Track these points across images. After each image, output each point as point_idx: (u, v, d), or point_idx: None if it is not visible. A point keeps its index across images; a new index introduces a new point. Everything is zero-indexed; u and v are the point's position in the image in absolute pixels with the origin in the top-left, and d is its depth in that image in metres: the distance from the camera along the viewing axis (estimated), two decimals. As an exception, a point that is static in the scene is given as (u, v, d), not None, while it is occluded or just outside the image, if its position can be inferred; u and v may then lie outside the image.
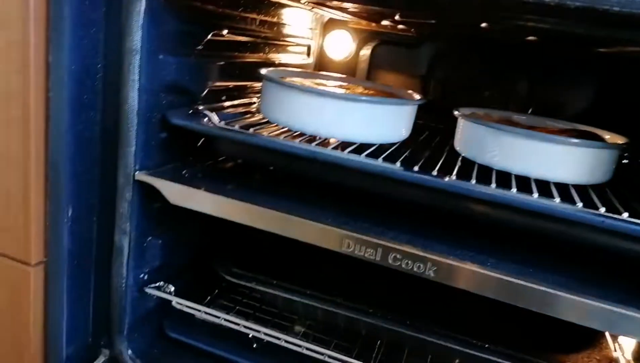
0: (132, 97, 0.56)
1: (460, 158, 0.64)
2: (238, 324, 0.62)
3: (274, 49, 0.90)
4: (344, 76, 0.91)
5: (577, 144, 0.58)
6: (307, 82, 0.70)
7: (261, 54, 0.85)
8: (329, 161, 0.55)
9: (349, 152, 0.56)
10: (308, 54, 1.08)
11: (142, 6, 0.53)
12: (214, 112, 0.63)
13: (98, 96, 0.57)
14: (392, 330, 0.60)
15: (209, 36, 0.66)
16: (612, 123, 0.71)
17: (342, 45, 1.10)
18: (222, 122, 0.61)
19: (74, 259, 0.59)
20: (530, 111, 0.95)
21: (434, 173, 0.54)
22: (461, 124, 0.67)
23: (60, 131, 0.55)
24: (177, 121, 0.58)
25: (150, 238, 0.64)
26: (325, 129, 0.61)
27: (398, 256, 0.51)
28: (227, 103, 0.73)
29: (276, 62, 0.91)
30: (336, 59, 1.11)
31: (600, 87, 0.94)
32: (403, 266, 0.50)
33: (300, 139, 0.59)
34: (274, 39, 0.89)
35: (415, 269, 0.50)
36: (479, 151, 0.63)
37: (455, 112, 0.68)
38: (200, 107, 0.64)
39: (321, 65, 1.11)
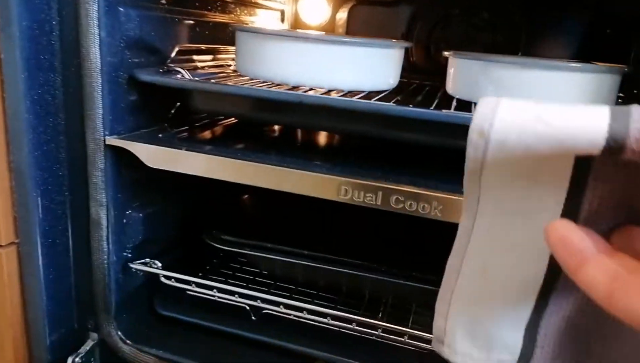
0: (94, 54, 0.51)
1: (455, 100, 0.60)
2: (233, 293, 0.58)
3: (245, 11, 0.85)
4: (323, 33, 0.87)
5: (578, 69, 0.54)
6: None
7: (232, 15, 0.80)
8: (316, 104, 0.51)
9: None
10: (282, 20, 1.03)
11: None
12: (186, 71, 0.58)
13: (56, 56, 0.52)
14: (399, 284, 0.56)
15: (175, -10, 0.61)
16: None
17: (317, 9, 1.05)
18: (197, 78, 0.56)
19: (49, 237, 0.54)
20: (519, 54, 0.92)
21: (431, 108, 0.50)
22: (452, 64, 0.63)
23: (18, 96, 0.49)
24: (145, 77, 0.53)
25: (130, 211, 0.59)
26: (309, 77, 0.56)
27: (400, 198, 0.47)
28: (200, 64, 0.68)
29: (249, 24, 0.87)
30: (312, 24, 1.06)
31: (587, 34, 0.91)
32: (407, 208, 0.46)
33: (284, 89, 0.55)
34: (245, 0, 0.85)
35: (420, 210, 0.46)
36: (474, 90, 0.59)
37: (445, 53, 0.64)
38: (172, 65, 0.59)
39: (297, 31, 1.07)
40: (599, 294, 0.24)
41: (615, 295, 0.23)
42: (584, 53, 0.91)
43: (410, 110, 0.48)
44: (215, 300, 0.61)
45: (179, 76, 0.56)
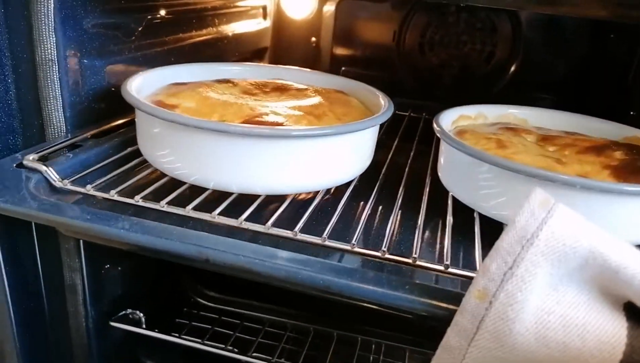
0: (58, 119, 0.46)
1: (450, 197, 0.46)
2: (221, 348, 0.56)
3: (224, 20, 0.79)
4: (283, 66, 0.66)
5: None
6: (203, 90, 0.48)
7: (210, 29, 0.75)
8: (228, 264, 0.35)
9: (272, 226, 0.38)
10: (264, 16, 0.97)
11: (50, 4, 0.43)
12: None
13: (15, 119, 0.47)
14: (394, 346, 0.53)
15: (144, 23, 0.56)
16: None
17: (301, 1, 0.98)
18: (67, 181, 0.41)
19: (22, 303, 0.50)
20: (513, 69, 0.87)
21: (410, 259, 0.36)
22: (445, 151, 0.48)
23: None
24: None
25: (107, 266, 0.56)
26: (240, 179, 0.41)
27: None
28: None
29: (229, 34, 0.81)
30: (297, 18, 0.99)
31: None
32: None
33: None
34: (222, 7, 0.78)
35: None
36: (475, 195, 0.43)
37: (435, 127, 0.47)
38: (31, 159, 0.43)
39: (280, 27, 1.00)
40: None
41: None
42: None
43: (376, 292, 0.33)
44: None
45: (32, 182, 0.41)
